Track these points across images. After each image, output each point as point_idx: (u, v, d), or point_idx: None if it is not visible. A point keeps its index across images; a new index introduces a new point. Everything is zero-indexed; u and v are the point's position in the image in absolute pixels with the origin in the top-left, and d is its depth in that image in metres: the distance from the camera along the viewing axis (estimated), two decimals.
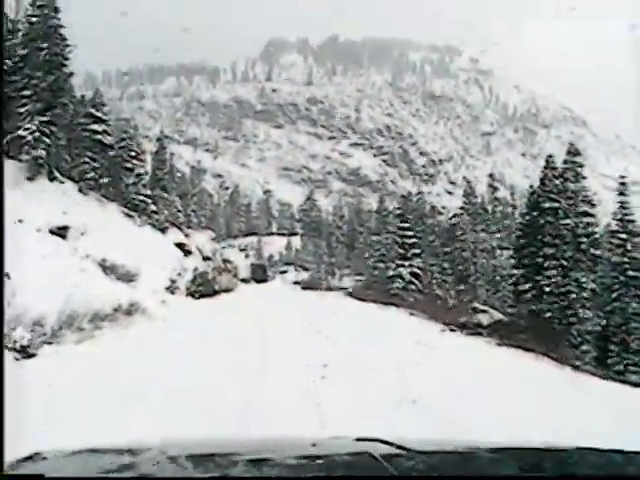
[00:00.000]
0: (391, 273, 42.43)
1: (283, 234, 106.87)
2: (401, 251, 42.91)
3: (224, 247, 66.78)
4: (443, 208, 74.08)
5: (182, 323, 18.68)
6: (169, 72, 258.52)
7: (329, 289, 54.20)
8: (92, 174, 30.34)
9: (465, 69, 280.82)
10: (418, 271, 42.61)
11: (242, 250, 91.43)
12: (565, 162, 29.18)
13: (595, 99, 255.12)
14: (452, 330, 22.38)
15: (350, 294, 44.22)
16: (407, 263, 42.12)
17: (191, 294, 28.11)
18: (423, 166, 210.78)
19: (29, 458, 1.98)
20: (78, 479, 1.75)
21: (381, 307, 32.65)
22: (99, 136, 31.66)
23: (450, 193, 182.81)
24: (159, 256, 26.86)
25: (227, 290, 37.30)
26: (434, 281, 44.36)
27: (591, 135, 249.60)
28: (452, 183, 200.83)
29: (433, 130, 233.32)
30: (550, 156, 30.22)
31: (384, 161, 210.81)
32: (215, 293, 32.49)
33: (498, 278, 43.80)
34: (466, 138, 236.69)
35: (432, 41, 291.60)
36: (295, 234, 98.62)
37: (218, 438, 2.57)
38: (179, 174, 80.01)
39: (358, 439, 2.22)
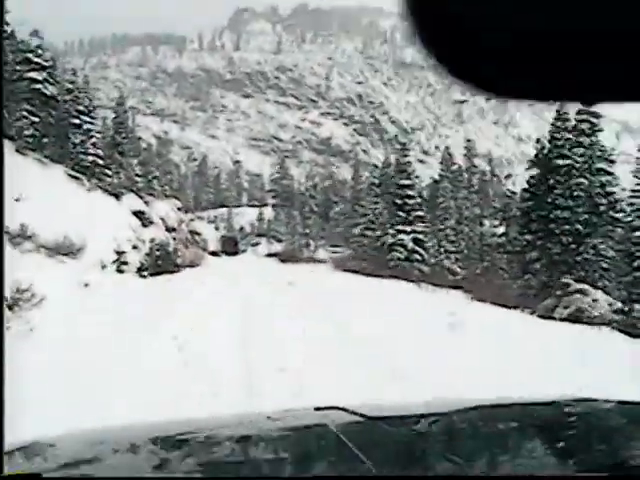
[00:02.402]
0: (390, 240, 36.18)
1: (254, 205, 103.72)
2: (401, 214, 36.47)
3: (192, 219, 63.57)
4: (416, 177, 71.54)
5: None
6: (134, 41, 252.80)
7: (311, 261, 49.99)
8: (32, 131, 26.05)
9: None
10: (423, 237, 36.55)
11: (211, 222, 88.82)
12: (579, 112, 25.57)
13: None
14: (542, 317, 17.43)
15: (339, 267, 38.91)
16: (409, 228, 35.77)
17: (143, 270, 23.62)
18: (395, 135, 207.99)
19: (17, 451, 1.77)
20: (75, 479, 1.56)
21: (398, 284, 26.34)
22: (39, 86, 27.21)
23: (422, 162, 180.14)
24: (111, 226, 22.97)
25: (192, 265, 33.05)
26: (441, 249, 40.06)
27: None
28: (424, 152, 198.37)
29: (405, 99, 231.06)
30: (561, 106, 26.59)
31: (355, 130, 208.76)
32: (177, 268, 28.27)
33: (486, 247, 41.12)
34: (438, 107, 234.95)
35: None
36: (266, 205, 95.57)
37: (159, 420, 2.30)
38: (144, 145, 76.82)
39: (317, 408, 2.06)
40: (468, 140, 65.16)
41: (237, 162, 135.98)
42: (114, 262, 20.74)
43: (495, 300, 19.65)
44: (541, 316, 16.91)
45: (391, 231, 36.65)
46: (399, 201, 36.80)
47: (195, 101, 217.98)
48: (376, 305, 16.16)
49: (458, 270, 36.61)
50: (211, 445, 1.91)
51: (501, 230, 40.24)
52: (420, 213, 37.21)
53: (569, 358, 9.17)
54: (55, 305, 12.46)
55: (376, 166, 57.70)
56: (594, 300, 16.91)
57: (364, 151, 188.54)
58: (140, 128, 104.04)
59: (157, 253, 26.24)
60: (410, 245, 34.98)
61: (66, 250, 17.72)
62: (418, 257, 35.28)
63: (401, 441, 1.79)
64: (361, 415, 1.89)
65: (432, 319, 13.41)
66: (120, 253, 21.38)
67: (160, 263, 25.89)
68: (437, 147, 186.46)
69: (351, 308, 14.82)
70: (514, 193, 51.02)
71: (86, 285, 16.97)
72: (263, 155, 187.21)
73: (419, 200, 38.41)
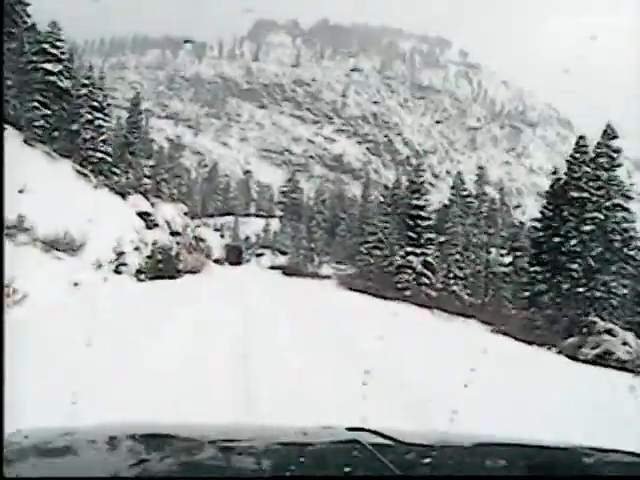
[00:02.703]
0: (399, 262, 34.72)
1: (261, 216, 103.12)
2: (412, 235, 34.86)
3: (198, 225, 63.29)
4: (426, 201, 71.44)
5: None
6: (154, 44, 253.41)
7: (316, 276, 49.30)
8: (42, 122, 25.60)
9: (454, 61, 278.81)
10: (432, 261, 34.99)
11: (217, 230, 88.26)
12: (599, 145, 25.11)
13: (582, 99, 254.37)
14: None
15: (344, 284, 37.83)
16: (419, 250, 34.22)
17: (141, 273, 22.75)
18: (407, 157, 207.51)
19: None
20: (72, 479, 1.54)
21: (409, 308, 25.05)
22: (53, 77, 26.81)
23: (432, 185, 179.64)
24: (113, 225, 22.47)
25: (193, 271, 32.41)
26: (450, 274, 39.13)
27: (575, 137, 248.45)
28: (435, 176, 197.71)
29: (419, 121, 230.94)
30: (582, 137, 26.09)
31: (368, 149, 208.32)
32: (178, 273, 27.69)
33: (491, 276, 40.61)
34: (452, 132, 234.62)
35: (422, 32, 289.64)
36: (274, 216, 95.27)
37: (184, 423, 2.34)
38: (157, 147, 76.78)
39: (348, 429, 2.10)
40: (480, 167, 65.08)
41: (248, 172, 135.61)
42: (112, 262, 20.14)
43: (512, 333, 18.79)
44: (569, 356, 15.83)
45: (400, 252, 35.63)
46: (410, 222, 35.68)
47: (210, 108, 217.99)
48: (397, 333, 14.71)
49: (466, 297, 35.80)
50: (232, 454, 1.88)
51: (508, 260, 39.85)
52: (431, 235, 36.22)
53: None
54: (36, 303, 11.74)
55: (386, 187, 57.44)
56: (624, 343, 15.89)
57: (375, 170, 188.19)
58: (153, 130, 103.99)
59: (159, 256, 25.60)
60: (419, 268, 33.89)
61: (64, 246, 17.27)
62: (426, 281, 34.17)
63: (434, 467, 1.79)
64: (391, 438, 1.90)
65: (465, 355, 12.12)
66: (120, 254, 20.75)
67: (161, 267, 25.30)
68: (448, 172, 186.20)
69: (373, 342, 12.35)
70: (522, 223, 50.81)
71: (75, 284, 16.12)
72: (274, 167, 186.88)
73: (431, 222, 37.39)
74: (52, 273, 14.92)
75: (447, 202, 50.11)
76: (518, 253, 38.15)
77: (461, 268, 39.70)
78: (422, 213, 35.75)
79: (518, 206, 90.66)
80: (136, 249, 23.45)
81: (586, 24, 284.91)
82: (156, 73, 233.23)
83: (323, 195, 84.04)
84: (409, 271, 33.93)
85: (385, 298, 28.32)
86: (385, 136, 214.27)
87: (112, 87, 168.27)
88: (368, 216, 55.77)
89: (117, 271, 20.40)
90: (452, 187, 53.49)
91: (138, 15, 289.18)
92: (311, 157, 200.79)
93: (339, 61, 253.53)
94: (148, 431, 2.08)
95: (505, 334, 18.94)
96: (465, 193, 53.63)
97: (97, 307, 13.85)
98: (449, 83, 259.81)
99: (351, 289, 33.74)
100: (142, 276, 22.85)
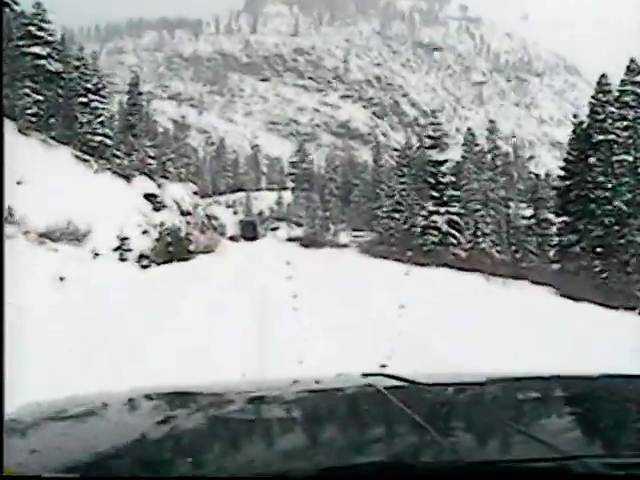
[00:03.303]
0: (422, 223, 32.39)
1: (273, 189, 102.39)
2: (434, 194, 32.48)
3: (210, 204, 62.66)
4: (446, 155, 70.53)
5: None
6: (149, 26, 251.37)
7: (334, 245, 48.10)
8: (35, 109, 24.52)
9: (455, 17, 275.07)
10: (458, 219, 32.85)
11: (230, 207, 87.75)
12: (623, 82, 23.71)
13: (589, 47, 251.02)
14: None
15: (366, 252, 36.25)
16: (443, 209, 31.88)
17: (146, 259, 21.02)
18: (415, 118, 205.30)
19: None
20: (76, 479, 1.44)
21: (461, 276, 21.61)
22: (42, 61, 25.65)
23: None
24: (118, 209, 21.44)
25: (206, 251, 31.10)
26: (478, 232, 37.66)
27: (585, 83, 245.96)
28: (445, 134, 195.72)
29: (424, 80, 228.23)
30: (603, 75, 24.54)
31: (374, 113, 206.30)
32: (190, 255, 26.27)
33: (512, 231, 39.61)
34: (458, 88, 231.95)
35: None
36: (285, 188, 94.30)
37: (208, 382, 2.29)
38: (161, 129, 75.98)
39: (364, 374, 2.11)
40: (491, 121, 64.49)
41: (255, 146, 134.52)
42: (116, 250, 18.90)
43: (583, 295, 16.31)
44: None
45: (423, 212, 33.47)
46: (431, 179, 33.58)
47: (212, 85, 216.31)
48: (479, 319, 11.44)
49: (497, 255, 34.26)
50: (259, 405, 1.91)
51: (529, 212, 38.95)
52: (455, 193, 34.03)
53: None
54: (21, 304, 10.18)
55: (396, 149, 56.90)
56: None
57: (383, 134, 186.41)
58: (157, 112, 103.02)
59: (168, 239, 24.33)
60: (445, 227, 31.90)
61: (67, 237, 16.31)
62: (453, 241, 32.33)
63: (453, 405, 1.85)
64: (408, 381, 1.90)
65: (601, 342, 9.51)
66: (124, 239, 19.43)
67: (171, 249, 24.10)
68: (457, 129, 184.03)
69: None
70: (537, 175, 49.94)
71: (61, 279, 14.24)
72: (282, 139, 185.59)
73: (453, 178, 34.95)
74: (39, 266, 13.69)
75: (460, 159, 48.75)
76: (539, 205, 37.13)
77: (487, 224, 38.47)
78: (442, 169, 33.95)
79: (531, 157, 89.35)
80: (144, 233, 22.35)
81: None
82: (154, 55, 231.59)
83: (333, 163, 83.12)
84: (434, 232, 31.95)
85: (419, 264, 26.08)
86: (390, 98, 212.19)
87: (112, 72, 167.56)
88: (381, 180, 54.98)
89: (122, 258, 19.12)
90: (463, 144, 52.30)
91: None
92: (318, 126, 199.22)
93: (338, 26, 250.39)
94: (170, 390, 2.06)
95: (574, 299, 16.30)
96: (477, 149, 53.11)
97: (91, 304, 12.35)
98: (451, 39, 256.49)
99: (374, 256, 32.20)
100: (146, 262, 21.23)
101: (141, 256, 21.19)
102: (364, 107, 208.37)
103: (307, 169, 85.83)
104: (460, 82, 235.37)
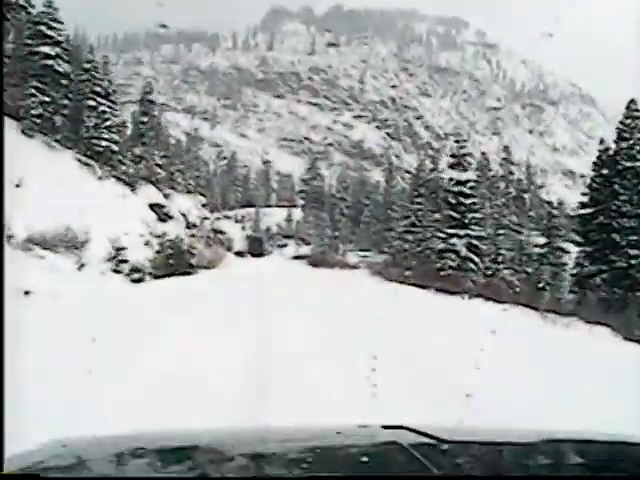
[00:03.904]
0: (441, 246, 30.18)
1: (283, 206, 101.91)
2: (454, 214, 30.44)
3: (218, 218, 62.23)
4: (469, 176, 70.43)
5: None
6: (167, 39, 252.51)
7: (344, 265, 46.93)
8: (40, 110, 23.71)
9: (472, 42, 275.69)
10: (478, 243, 30.57)
11: (238, 221, 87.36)
12: None
13: (604, 78, 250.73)
14: None
15: (378, 274, 34.75)
16: (463, 232, 29.77)
17: (139, 272, 19.31)
18: (428, 141, 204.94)
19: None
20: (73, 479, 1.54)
21: (515, 312, 18.24)
22: (51, 62, 24.91)
23: None
24: (122, 218, 20.56)
25: (209, 266, 30.02)
26: (499, 258, 36.29)
27: (599, 114, 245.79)
28: (468, 154, 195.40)
29: (439, 104, 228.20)
30: (632, 101, 23.59)
31: (388, 134, 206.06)
32: (191, 269, 25.22)
33: (525, 258, 38.89)
34: (472, 113, 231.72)
35: (438, 13, 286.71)
36: (295, 206, 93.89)
37: (211, 428, 2.29)
38: (174, 141, 75.99)
39: (384, 427, 2.03)
40: (505, 147, 64.73)
41: (267, 162, 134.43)
42: (110, 260, 17.84)
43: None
44: None
45: (441, 235, 31.29)
46: (452, 200, 31.53)
47: (227, 99, 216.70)
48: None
49: (517, 283, 32.47)
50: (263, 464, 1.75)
51: (542, 240, 38.24)
52: (477, 215, 31.97)
53: None
54: None
55: (407, 171, 56.78)
56: None
57: (396, 155, 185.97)
58: (170, 124, 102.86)
59: (169, 251, 23.05)
60: (464, 251, 29.72)
61: (65, 244, 15.40)
62: (473, 266, 30.12)
63: (476, 467, 1.74)
64: (429, 436, 1.82)
65: None
66: (119, 249, 18.28)
67: (172, 262, 22.73)
68: (470, 154, 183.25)
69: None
70: (550, 203, 49.38)
71: (26, 293, 12.47)
72: (294, 156, 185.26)
73: (476, 200, 32.93)
74: (12, 277, 11.45)
75: (473, 184, 48.40)
76: (552, 232, 36.31)
77: (507, 250, 37.19)
78: (465, 189, 31.87)
79: (542, 186, 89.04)
80: (146, 244, 21.38)
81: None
82: (171, 67, 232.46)
83: (345, 182, 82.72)
84: (452, 255, 29.82)
85: (447, 292, 23.84)
86: (405, 120, 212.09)
87: (128, 83, 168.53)
88: (393, 201, 54.40)
89: (116, 270, 17.86)
90: (477, 169, 51.82)
91: (149, 10, 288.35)
92: (330, 144, 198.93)
93: (355, 47, 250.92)
94: (168, 441, 1.91)
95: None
96: (491, 174, 52.99)
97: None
98: (467, 64, 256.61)
99: (386, 279, 30.64)
100: (138, 275, 19.50)
101: (133, 269, 19.50)
102: (378, 128, 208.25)
103: (318, 187, 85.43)
104: (475, 107, 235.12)
